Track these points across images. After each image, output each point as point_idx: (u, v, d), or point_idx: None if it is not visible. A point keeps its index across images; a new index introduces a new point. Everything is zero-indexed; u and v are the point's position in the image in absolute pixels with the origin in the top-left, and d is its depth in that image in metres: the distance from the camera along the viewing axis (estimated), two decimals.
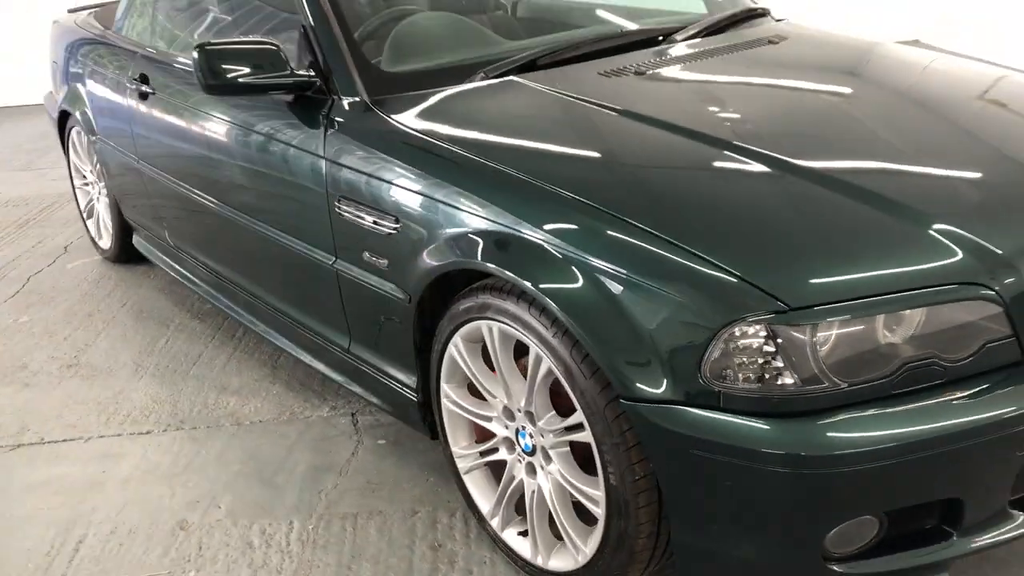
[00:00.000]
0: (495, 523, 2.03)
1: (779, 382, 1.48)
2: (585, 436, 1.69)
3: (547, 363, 1.71)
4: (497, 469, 2.04)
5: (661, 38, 2.51)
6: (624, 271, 1.58)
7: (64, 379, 3.02)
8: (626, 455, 1.62)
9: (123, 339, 3.27)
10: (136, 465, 2.52)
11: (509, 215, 1.76)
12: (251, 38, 2.38)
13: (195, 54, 2.21)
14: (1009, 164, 1.85)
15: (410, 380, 2.17)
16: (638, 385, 1.55)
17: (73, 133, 3.94)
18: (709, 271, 1.52)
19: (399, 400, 2.24)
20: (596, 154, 1.95)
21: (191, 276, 3.23)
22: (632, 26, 2.66)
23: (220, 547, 2.17)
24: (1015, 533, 1.62)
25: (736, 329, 1.48)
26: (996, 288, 1.52)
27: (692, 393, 1.52)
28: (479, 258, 1.78)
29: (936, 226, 1.59)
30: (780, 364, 1.47)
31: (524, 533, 1.99)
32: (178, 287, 3.62)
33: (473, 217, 1.83)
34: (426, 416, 2.19)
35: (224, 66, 2.21)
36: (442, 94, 2.20)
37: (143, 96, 3.06)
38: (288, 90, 2.28)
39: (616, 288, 1.58)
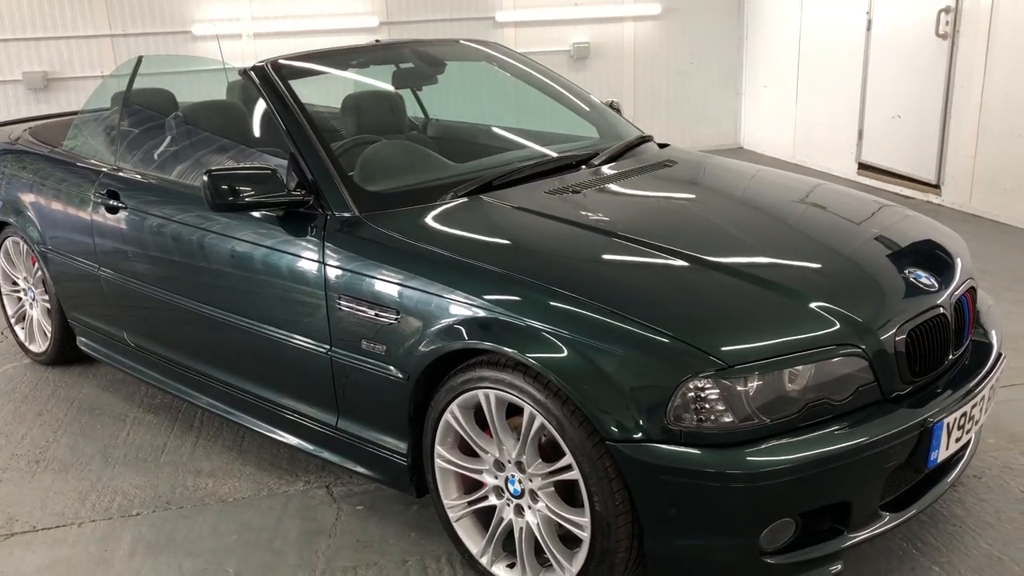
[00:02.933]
0: (485, 560, 2.46)
1: (722, 420, 2.03)
2: (572, 475, 2.18)
3: (540, 419, 2.20)
4: (484, 514, 2.48)
5: (585, 163, 3.12)
6: (596, 342, 2.11)
7: (36, 473, 3.21)
8: (609, 485, 2.11)
9: (83, 435, 3.49)
10: (136, 542, 2.78)
11: (503, 303, 2.26)
12: (251, 164, 2.82)
13: (204, 178, 2.63)
14: (853, 253, 2.52)
15: (401, 447, 2.59)
16: (618, 429, 2.06)
17: (8, 243, 4.14)
18: (668, 341, 2.07)
19: (388, 465, 2.64)
20: (561, 255, 2.49)
21: (149, 372, 3.51)
22: (552, 153, 3.25)
23: None
24: (884, 528, 2.23)
25: (690, 383, 2.03)
26: (863, 347, 2.14)
27: (660, 432, 2.05)
28: (483, 339, 2.26)
29: (817, 303, 2.22)
30: (722, 407, 2.03)
31: (512, 565, 2.43)
32: (123, 384, 3.86)
33: (467, 307, 2.31)
34: (413, 477, 2.61)
35: (228, 187, 2.63)
36: (422, 211, 2.70)
37: (111, 210, 3.38)
38: (285, 207, 2.72)
39: (592, 355, 2.10)
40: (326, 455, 2.85)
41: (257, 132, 3.37)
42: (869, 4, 6.79)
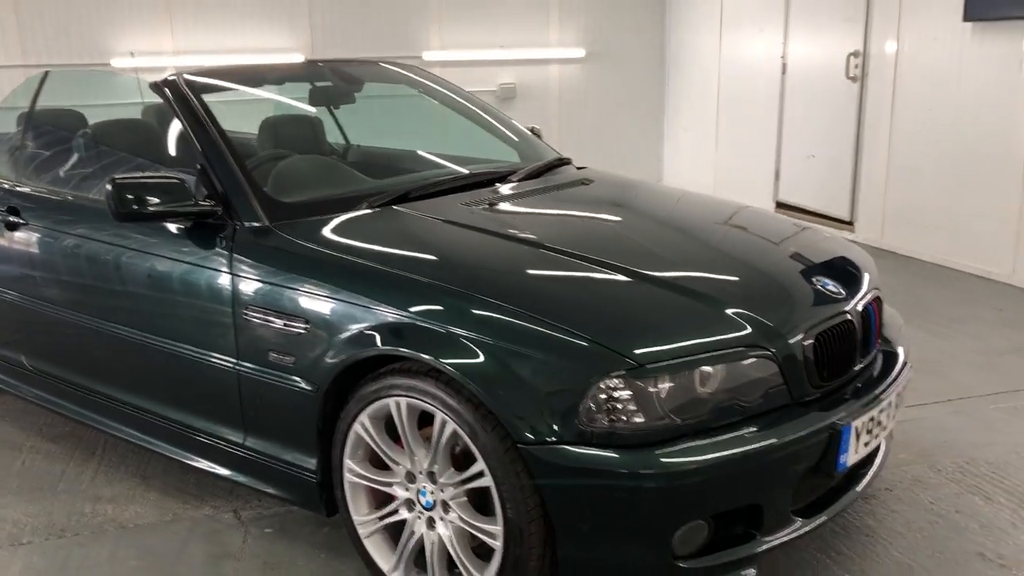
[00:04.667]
0: None
1: (634, 421, 2.01)
2: (484, 481, 2.13)
3: (452, 426, 2.15)
4: (395, 531, 2.40)
5: (504, 180, 3.12)
6: (513, 346, 2.08)
7: None
8: (520, 490, 2.07)
9: None
10: (25, 570, 2.62)
11: (421, 311, 2.22)
12: (158, 173, 2.73)
13: (108, 187, 2.54)
14: (767, 267, 2.55)
15: (310, 463, 2.51)
16: (531, 432, 2.03)
17: None
18: (576, 341, 2.05)
19: (297, 483, 2.55)
20: (481, 263, 2.47)
21: (49, 397, 3.35)
22: (466, 171, 3.25)
23: None
24: (796, 534, 2.22)
25: (602, 383, 2.01)
26: (772, 350, 2.16)
27: (572, 434, 2.02)
28: (397, 346, 2.21)
29: (730, 309, 2.23)
30: (634, 407, 2.01)
31: None
32: (21, 414, 3.68)
33: (381, 314, 2.26)
34: (323, 495, 2.53)
35: (133, 196, 2.55)
36: (334, 219, 2.66)
37: (11, 227, 3.25)
38: (192, 217, 2.64)
39: (508, 360, 2.07)
40: (234, 476, 2.74)
41: (169, 150, 3.28)
42: (784, 48, 7.03)
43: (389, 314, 2.26)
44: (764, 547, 2.16)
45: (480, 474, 2.14)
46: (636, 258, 2.48)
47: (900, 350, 2.66)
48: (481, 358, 2.10)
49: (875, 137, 6.20)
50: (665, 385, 2.04)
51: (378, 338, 2.26)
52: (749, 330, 2.18)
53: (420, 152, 3.69)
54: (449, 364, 2.12)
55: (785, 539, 2.20)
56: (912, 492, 2.92)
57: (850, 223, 6.53)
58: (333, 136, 3.94)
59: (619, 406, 2.01)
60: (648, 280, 2.33)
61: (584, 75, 8.44)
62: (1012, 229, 5.24)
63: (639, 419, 2.01)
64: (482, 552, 2.24)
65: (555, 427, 2.02)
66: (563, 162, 3.49)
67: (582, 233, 2.74)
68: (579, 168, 3.54)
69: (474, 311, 2.17)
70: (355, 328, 2.30)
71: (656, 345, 2.09)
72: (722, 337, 2.15)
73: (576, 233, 2.73)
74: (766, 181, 7.36)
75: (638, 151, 8.76)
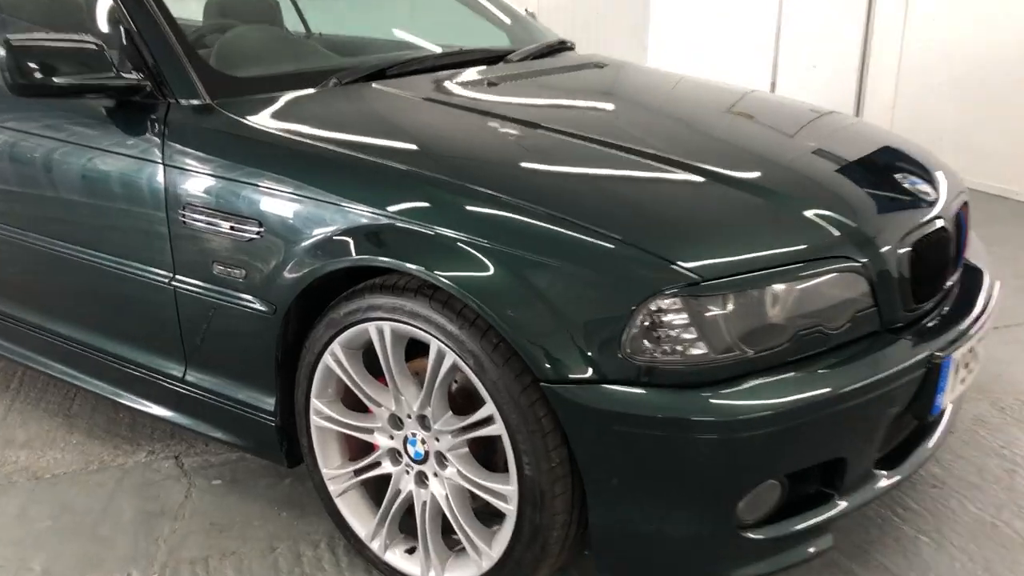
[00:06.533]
0: (376, 545, 1.91)
1: (692, 353, 1.53)
2: (494, 429, 1.64)
3: (451, 358, 1.65)
4: (376, 488, 1.92)
5: (502, 59, 2.57)
6: (533, 254, 1.58)
7: None
8: (543, 442, 1.59)
9: None
10: None
11: (404, 209, 1.70)
12: (69, 35, 2.14)
13: (1, 51, 1.96)
14: (848, 161, 2.03)
15: (267, 403, 2.01)
16: (558, 366, 1.54)
17: None
18: (623, 250, 1.56)
19: (251, 427, 2.06)
20: (479, 148, 1.95)
21: None
22: (458, 48, 2.70)
23: None
24: (882, 491, 1.78)
25: (652, 304, 1.52)
26: (863, 261, 1.68)
27: (613, 370, 1.53)
28: (377, 254, 1.70)
29: (809, 210, 1.74)
30: (692, 335, 1.53)
31: (412, 551, 1.89)
32: None
33: (356, 214, 1.75)
34: (283, 442, 2.03)
35: (36, 65, 1.97)
36: (294, 96, 2.11)
37: None
38: (114, 94, 2.07)
39: (526, 272, 1.57)
40: (175, 418, 2.23)
41: (90, 19, 2.67)
42: None
43: (365, 214, 1.74)
44: (843, 510, 1.71)
45: (488, 420, 1.65)
46: (685, 149, 1.97)
47: (981, 265, 2.20)
48: (490, 270, 1.59)
49: (884, 48, 5.69)
50: (731, 306, 1.55)
51: (352, 244, 1.74)
52: (836, 234, 1.69)
53: (398, 34, 3.10)
54: (446, 277, 1.61)
55: (869, 499, 1.76)
56: (977, 434, 2.50)
57: None
58: (293, 24, 3.34)
59: (673, 333, 1.53)
60: (704, 174, 1.83)
61: None
62: None
63: (698, 350, 1.53)
64: (487, 514, 1.77)
65: (589, 358, 1.53)
66: (566, 46, 2.94)
67: (610, 119, 2.22)
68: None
69: (479, 209, 1.67)
70: (322, 233, 1.78)
71: (719, 256, 1.59)
72: (801, 246, 1.66)
73: (602, 119, 2.21)
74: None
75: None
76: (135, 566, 1.99)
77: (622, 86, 2.56)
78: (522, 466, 1.62)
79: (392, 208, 1.71)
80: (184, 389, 2.16)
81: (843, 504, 1.71)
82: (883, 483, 1.78)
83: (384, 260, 1.68)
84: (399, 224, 1.70)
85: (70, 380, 2.43)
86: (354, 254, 1.73)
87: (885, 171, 2.06)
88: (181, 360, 2.15)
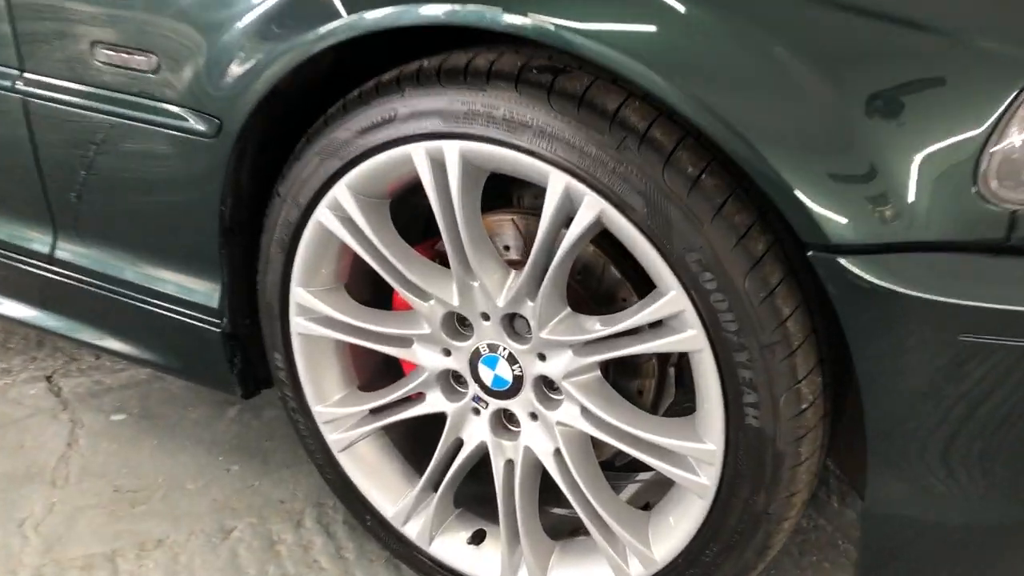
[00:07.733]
0: (412, 530, 1.13)
1: None
2: (679, 343, 0.86)
3: (596, 203, 0.84)
4: (411, 435, 1.14)
5: None
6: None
7: None
8: (788, 366, 0.82)
9: None
10: None
11: None
12: None
13: None
14: None
15: (204, 295, 1.17)
16: (849, 220, 0.76)
17: None
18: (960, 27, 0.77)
19: (175, 336, 1.22)
20: None
21: None
22: None
23: None
24: None
25: None
26: None
27: (958, 224, 0.76)
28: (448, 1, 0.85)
29: None
30: None
31: (478, 539, 1.12)
32: None
33: None
34: (235, 358, 1.21)
35: None
36: None
37: None
38: None
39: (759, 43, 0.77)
40: (38, 319, 1.38)
41: None
42: None
43: None
44: None
45: (664, 324, 0.87)
46: None
47: None
48: (708, 31, 0.78)
49: None
50: None
51: None
52: None
53: None
54: (596, 37, 0.79)
55: None
56: None
57: None
58: None
59: None
60: None
61: None
62: None
63: None
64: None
65: (911, 206, 0.76)
66: None
67: None
68: None
69: None
70: None
71: None
72: None
73: None
74: None
75: None
76: None
77: None
78: (743, 410, 0.85)
79: None
80: (53, 273, 1.29)
81: None
82: None
83: (473, 8, 0.84)
84: None
85: None
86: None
87: None
88: (47, 226, 1.27)
